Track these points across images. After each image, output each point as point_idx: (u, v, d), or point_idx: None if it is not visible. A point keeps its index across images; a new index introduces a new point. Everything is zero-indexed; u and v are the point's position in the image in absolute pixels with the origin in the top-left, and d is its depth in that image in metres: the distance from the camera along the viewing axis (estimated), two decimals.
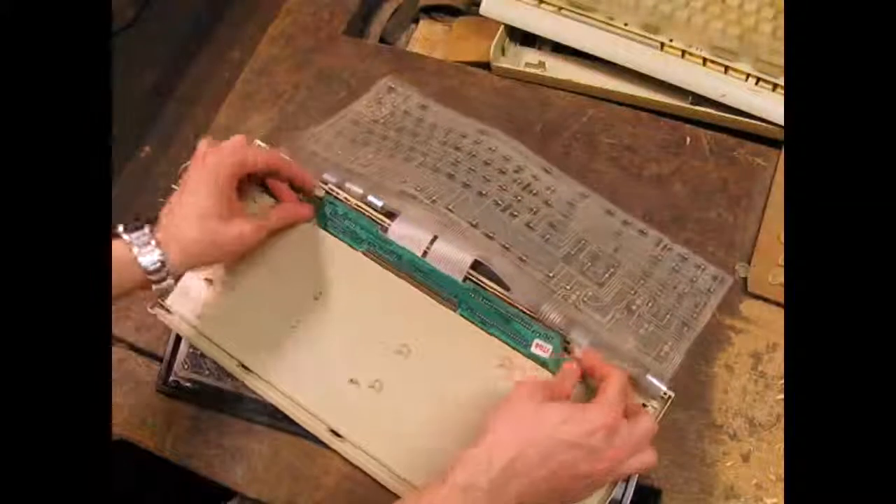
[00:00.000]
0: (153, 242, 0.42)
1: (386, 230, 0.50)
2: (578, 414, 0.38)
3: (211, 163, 0.45)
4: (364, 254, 0.51)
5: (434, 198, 0.51)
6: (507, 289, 0.48)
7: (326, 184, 0.53)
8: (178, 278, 0.45)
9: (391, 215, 0.51)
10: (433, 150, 0.55)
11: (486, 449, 0.38)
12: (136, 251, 0.41)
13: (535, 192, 0.54)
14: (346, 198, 0.52)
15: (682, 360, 0.47)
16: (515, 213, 0.52)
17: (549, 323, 0.46)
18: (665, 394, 0.45)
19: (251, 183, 0.52)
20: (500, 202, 0.52)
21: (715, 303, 0.49)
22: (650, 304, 0.49)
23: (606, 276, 0.50)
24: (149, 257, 0.42)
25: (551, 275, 0.48)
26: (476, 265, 0.48)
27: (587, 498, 0.41)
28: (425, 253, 0.49)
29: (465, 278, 0.49)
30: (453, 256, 0.48)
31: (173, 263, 0.43)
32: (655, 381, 0.45)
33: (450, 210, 0.50)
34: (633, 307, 0.49)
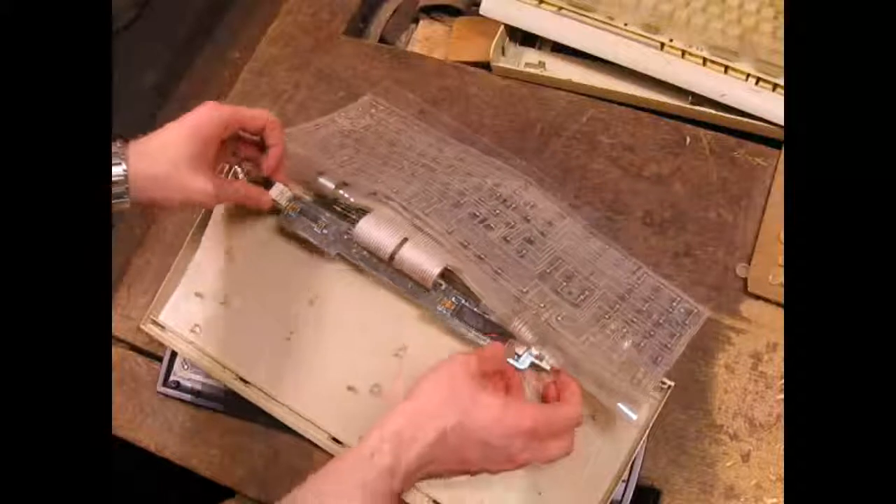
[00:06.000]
0: (120, 155, 0.41)
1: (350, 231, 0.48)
2: (510, 413, 0.38)
3: (201, 111, 0.44)
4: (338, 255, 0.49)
5: (409, 201, 0.49)
6: (478, 301, 0.46)
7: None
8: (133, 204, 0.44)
9: (362, 213, 0.49)
10: (410, 160, 0.54)
11: (411, 418, 0.37)
12: None
13: (513, 206, 0.52)
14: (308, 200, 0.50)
15: (654, 386, 0.45)
16: (492, 226, 0.50)
17: (521, 338, 0.45)
18: (664, 384, 0.45)
19: (238, 146, 0.50)
20: (476, 214, 0.51)
21: (690, 336, 0.48)
22: (625, 330, 0.47)
23: (582, 297, 0.48)
24: (114, 168, 0.41)
25: (525, 290, 0.46)
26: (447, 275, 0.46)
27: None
28: (392, 257, 0.46)
29: (435, 286, 0.46)
30: (421, 264, 0.46)
31: (133, 188, 0.42)
32: (626, 410, 0.44)
33: (424, 215, 0.48)
34: (609, 331, 0.46)
